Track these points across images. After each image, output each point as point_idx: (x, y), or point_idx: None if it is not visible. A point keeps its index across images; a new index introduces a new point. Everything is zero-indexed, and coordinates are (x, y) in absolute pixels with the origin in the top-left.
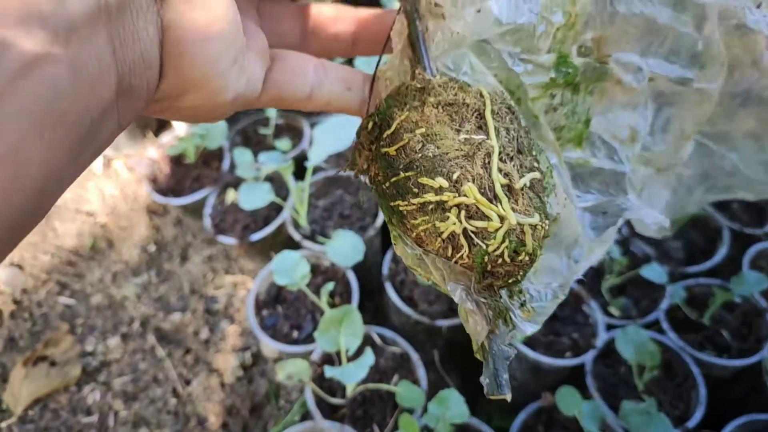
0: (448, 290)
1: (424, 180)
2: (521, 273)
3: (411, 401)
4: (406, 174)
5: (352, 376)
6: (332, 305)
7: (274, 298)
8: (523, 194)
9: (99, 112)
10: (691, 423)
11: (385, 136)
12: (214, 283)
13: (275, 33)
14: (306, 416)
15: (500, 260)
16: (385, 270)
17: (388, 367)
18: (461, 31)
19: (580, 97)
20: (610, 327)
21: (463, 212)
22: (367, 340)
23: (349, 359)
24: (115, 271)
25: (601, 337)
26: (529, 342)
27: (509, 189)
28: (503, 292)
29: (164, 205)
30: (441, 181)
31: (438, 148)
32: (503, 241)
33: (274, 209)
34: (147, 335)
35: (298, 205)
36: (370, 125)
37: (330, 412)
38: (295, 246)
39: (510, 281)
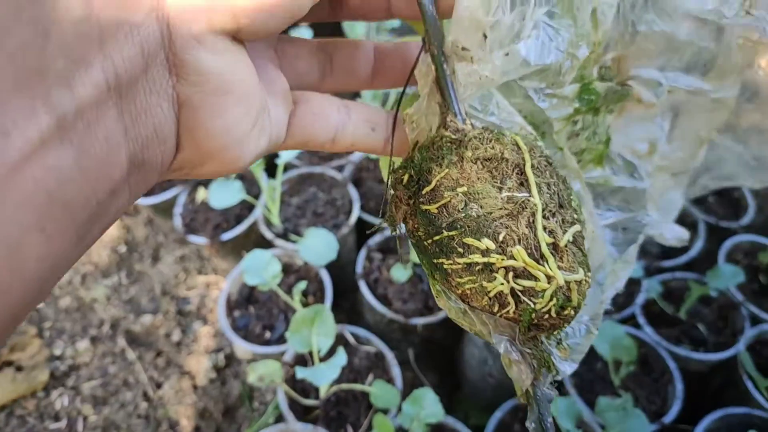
0: (492, 342)
1: (470, 240)
2: (566, 325)
3: (385, 401)
4: (450, 233)
5: (324, 376)
6: (305, 305)
7: (246, 298)
8: (567, 251)
9: (107, 193)
10: (668, 418)
11: (424, 192)
12: (186, 284)
13: (294, 73)
14: (280, 418)
15: (547, 315)
16: (359, 268)
17: (362, 367)
18: (489, 74)
19: (600, 118)
20: None
21: (510, 273)
22: (341, 340)
23: (322, 359)
24: (85, 272)
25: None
26: None
27: (554, 247)
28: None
29: (135, 205)
30: (487, 243)
31: (481, 207)
32: (551, 300)
33: (247, 208)
34: (117, 338)
35: (270, 203)
36: (406, 178)
37: (303, 413)
38: (267, 245)
39: (555, 333)
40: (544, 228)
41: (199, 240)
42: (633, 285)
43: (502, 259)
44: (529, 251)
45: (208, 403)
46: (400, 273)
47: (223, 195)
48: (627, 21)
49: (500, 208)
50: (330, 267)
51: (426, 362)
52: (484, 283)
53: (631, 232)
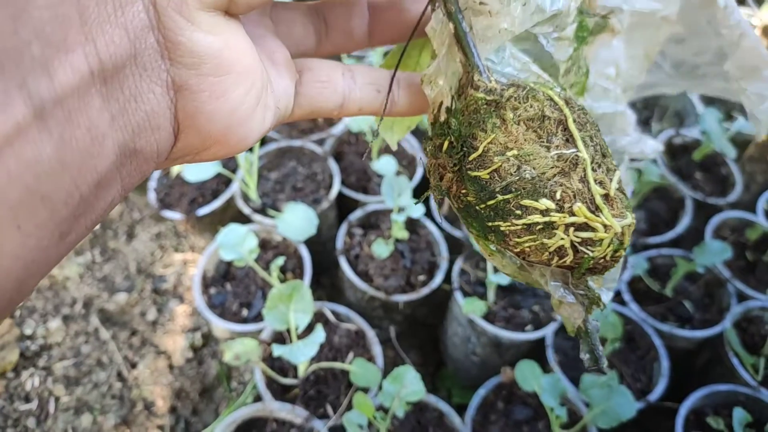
0: (549, 290)
1: (528, 202)
2: (615, 265)
3: (366, 380)
4: (505, 197)
5: (301, 354)
6: (284, 281)
7: (223, 275)
8: (616, 198)
9: (92, 185)
10: (654, 395)
11: (471, 158)
12: (163, 262)
13: (292, 39)
14: (259, 398)
15: (602, 260)
16: (339, 244)
17: (342, 345)
18: (508, 26)
19: (579, 51)
20: None
21: (571, 228)
22: (320, 318)
23: (300, 337)
24: None
25: None
26: (489, 316)
27: (606, 197)
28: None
29: None
30: (546, 203)
31: (534, 168)
32: (608, 246)
33: (224, 182)
34: (90, 317)
35: (248, 177)
36: (446, 145)
37: (282, 392)
38: (245, 220)
39: (604, 274)
40: (595, 180)
41: (174, 215)
42: None
43: (564, 217)
44: (586, 205)
45: (184, 383)
46: (381, 249)
47: (198, 168)
48: None
49: (552, 167)
50: (310, 243)
51: (409, 340)
52: (545, 241)
53: (615, 155)
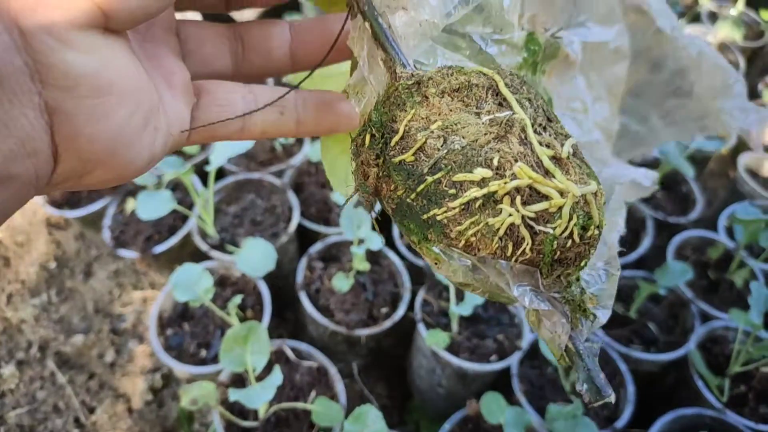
0: (514, 296)
1: (461, 176)
2: (591, 251)
3: (328, 419)
4: (435, 177)
5: (258, 398)
6: (243, 319)
7: (180, 315)
8: (571, 163)
9: None
10: (620, 422)
11: (393, 143)
12: (121, 300)
13: (201, 59)
14: None
15: (570, 242)
16: (300, 278)
17: (304, 383)
18: (429, 17)
19: (537, 76)
20: None
21: (518, 198)
22: (280, 356)
23: (258, 378)
24: (11, 291)
25: (527, 338)
26: (453, 348)
27: (556, 160)
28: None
29: (64, 218)
30: (482, 172)
31: (464, 137)
32: (570, 218)
33: (181, 218)
34: (46, 361)
35: (204, 213)
36: (367, 138)
37: None
38: (203, 257)
39: (581, 264)
40: (540, 142)
41: (130, 254)
42: None
43: (505, 183)
44: (531, 168)
45: (144, 428)
46: (342, 283)
47: (152, 206)
48: None
49: (485, 134)
50: (271, 277)
51: (375, 372)
52: (490, 220)
53: (603, 187)
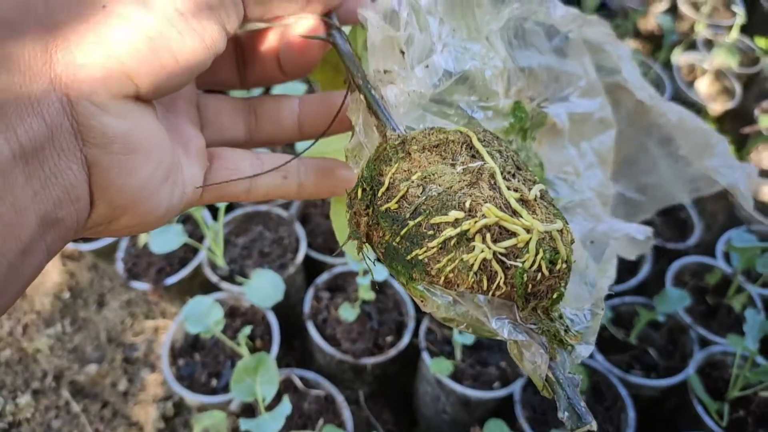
0: (494, 329)
1: (437, 219)
2: (562, 284)
3: None
4: (416, 221)
5: (268, 428)
6: (253, 348)
7: (192, 345)
8: (538, 204)
9: (17, 253)
10: None
11: (380, 194)
12: (133, 330)
13: (218, 128)
14: None
15: (539, 275)
16: (307, 308)
17: (312, 411)
18: (416, 88)
19: (527, 143)
20: None
21: (488, 236)
22: (289, 385)
23: (268, 407)
24: (26, 322)
25: None
26: (456, 375)
27: (523, 202)
28: (550, 321)
29: (78, 250)
30: (455, 214)
31: (440, 185)
32: (537, 253)
33: (192, 250)
34: (61, 390)
35: (214, 245)
36: (359, 192)
37: None
38: (213, 288)
39: (554, 297)
40: (508, 187)
41: (142, 286)
42: None
43: (475, 222)
44: (499, 207)
45: None
46: (348, 312)
47: (164, 239)
48: (512, 57)
49: (459, 181)
50: (279, 307)
51: (381, 399)
52: (464, 257)
53: (599, 243)
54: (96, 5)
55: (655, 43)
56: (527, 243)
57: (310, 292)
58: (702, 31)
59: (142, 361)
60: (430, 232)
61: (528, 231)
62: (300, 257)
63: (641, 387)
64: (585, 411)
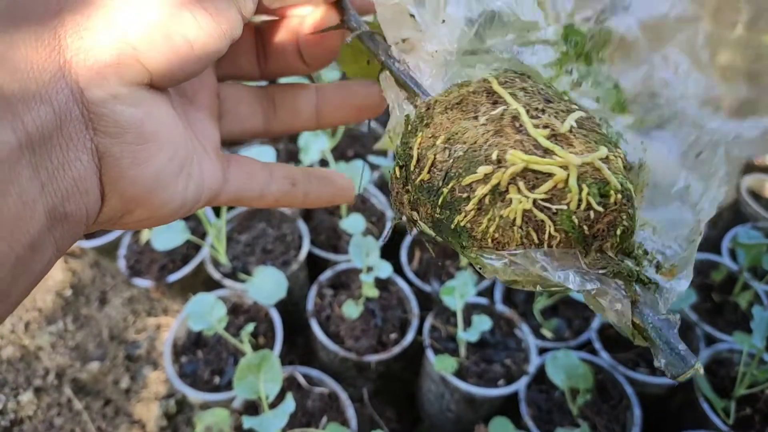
0: (559, 281)
1: (468, 179)
2: (624, 217)
3: None
4: (449, 187)
5: (272, 426)
6: (256, 346)
7: (194, 342)
8: (575, 135)
9: (26, 246)
10: None
11: (413, 168)
12: (136, 327)
13: (238, 117)
14: None
15: (591, 213)
16: (310, 305)
17: (315, 409)
18: (438, 47)
19: (594, 67)
20: (543, 350)
21: (521, 184)
22: (292, 383)
23: (271, 405)
24: (28, 319)
25: (534, 362)
26: (461, 373)
27: (555, 137)
28: (627, 260)
29: (80, 247)
30: (484, 169)
31: (464, 143)
32: (580, 190)
33: (194, 247)
34: (63, 387)
35: (216, 242)
36: (397, 171)
37: None
38: (216, 285)
39: (620, 233)
40: (536, 125)
41: (145, 283)
42: (588, 310)
43: (503, 172)
44: (529, 152)
45: None
46: (351, 310)
47: (166, 236)
48: None
49: (483, 133)
50: (282, 304)
51: (384, 397)
52: (503, 212)
53: (709, 154)
54: None
55: None
56: (566, 181)
57: (314, 290)
58: None
59: (145, 358)
60: (464, 195)
61: (564, 168)
62: (303, 254)
63: (647, 385)
64: (687, 354)
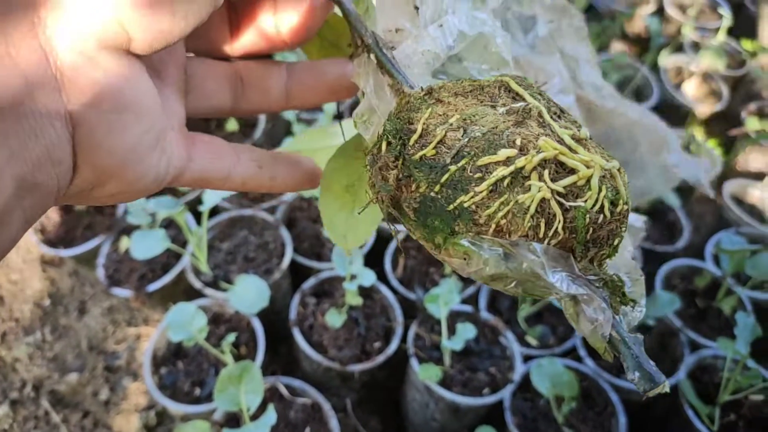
0: (551, 282)
1: (485, 159)
2: (623, 228)
3: None
4: (459, 164)
5: None
6: (237, 356)
7: (174, 353)
8: (590, 144)
9: None
10: None
11: (412, 143)
12: (115, 337)
13: (203, 93)
14: None
15: (601, 217)
16: (293, 314)
17: (298, 420)
18: (431, 48)
19: None
20: (528, 358)
21: (545, 173)
22: (274, 393)
23: (253, 417)
24: (5, 330)
25: (519, 370)
26: (445, 382)
27: (576, 140)
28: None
29: (58, 256)
30: (507, 152)
31: (483, 126)
32: (600, 190)
33: (174, 256)
34: (40, 400)
35: (197, 250)
36: (384, 146)
37: None
38: (197, 294)
39: (615, 243)
40: (558, 126)
41: (124, 292)
42: None
43: (532, 157)
44: (552, 141)
45: None
46: (334, 319)
47: (145, 244)
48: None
49: (504, 121)
50: (264, 313)
51: (369, 406)
52: (520, 198)
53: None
54: None
55: (643, 46)
56: (588, 180)
57: (296, 298)
58: (689, 34)
59: (124, 369)
60: (477, 175)
61: (588, 166)
62: (286, 262)
63: (632, 392)
64: (655, 370)
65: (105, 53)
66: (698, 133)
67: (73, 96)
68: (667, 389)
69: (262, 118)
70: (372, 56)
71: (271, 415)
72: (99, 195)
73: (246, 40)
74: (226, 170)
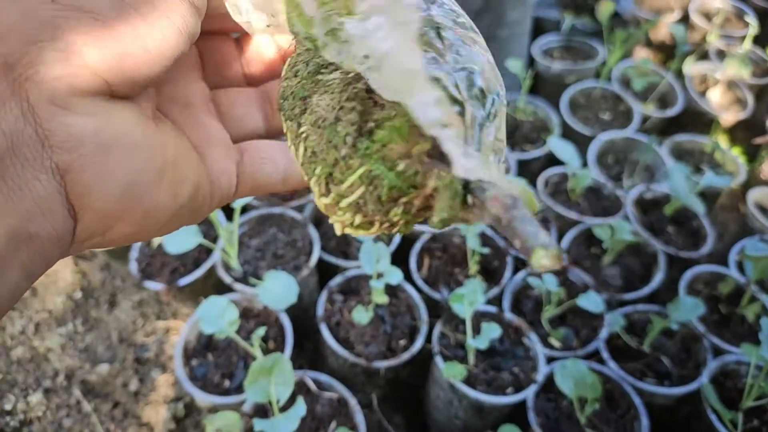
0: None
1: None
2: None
3: None
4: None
5: (283, 429)
6: (266, 350)
7: (205, 345)
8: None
9: None
10: None
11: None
12: (145, 330)
13: (234, 120)
14: None
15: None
16: (320, 311)
17: (324, 414)
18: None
19: None
20: (551, 359)
21: None
22: (302, 387)
23: (282, 409)
24: (38, 320)
25: (542, 371)
26: (469, 380)
27: None
28: None
29: (92, 250)
30: None
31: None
32: None
33: (205, 250)
34: (72, 389)
35: (228, 246)
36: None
37: None
38: (227, 289)
39: None
40: None
41: (156, 286)
42: (597, 318)
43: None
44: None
45: None
46: (361, 315)
47: (178, 239)
48: None
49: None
50: (292, 309)
51: (393, 403)
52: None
53: None
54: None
55: (667, 53)
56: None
57: (324, 295)
58: (714, 42)
59: (153, 361)
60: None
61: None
62: (313, 260)
63: (654, 395)
64: (539, 229)
65: (78, 99)
66: (723, 140)
67: (56, 146)
68: (565, 261)
69: None
70: None
71: (300, 407)
72: (113, 238)
73: (215, 79)
74: (281, 174)
